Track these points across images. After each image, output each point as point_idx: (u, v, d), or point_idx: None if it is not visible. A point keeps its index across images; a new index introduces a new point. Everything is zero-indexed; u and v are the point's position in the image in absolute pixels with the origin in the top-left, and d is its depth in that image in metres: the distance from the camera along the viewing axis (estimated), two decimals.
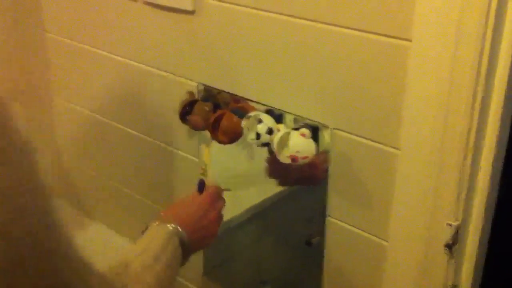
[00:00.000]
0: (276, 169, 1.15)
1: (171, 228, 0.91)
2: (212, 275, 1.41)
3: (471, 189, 0.87)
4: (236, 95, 1.16)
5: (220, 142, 1.15)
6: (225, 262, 1.41)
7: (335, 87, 0.98)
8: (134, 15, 1.32)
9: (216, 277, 1.42)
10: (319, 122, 1.02)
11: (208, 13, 1.15)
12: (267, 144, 1.04)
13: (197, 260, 1.38)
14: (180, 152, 1.35)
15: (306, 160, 1.00)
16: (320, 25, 0.96)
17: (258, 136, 1.03)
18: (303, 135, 0.99)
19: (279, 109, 1.08)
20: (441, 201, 0.88)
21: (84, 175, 1.74)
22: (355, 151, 0.99)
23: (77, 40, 1.53)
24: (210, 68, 1.19)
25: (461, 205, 0.88)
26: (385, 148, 0.95)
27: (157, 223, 0.92)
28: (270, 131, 1.03)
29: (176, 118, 1.21)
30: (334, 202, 1.06)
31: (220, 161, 1.24)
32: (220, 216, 1.04)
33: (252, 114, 1.05)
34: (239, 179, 1.28)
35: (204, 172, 1.08)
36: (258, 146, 1.05)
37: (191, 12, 1.17)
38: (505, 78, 0.81)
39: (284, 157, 1.00)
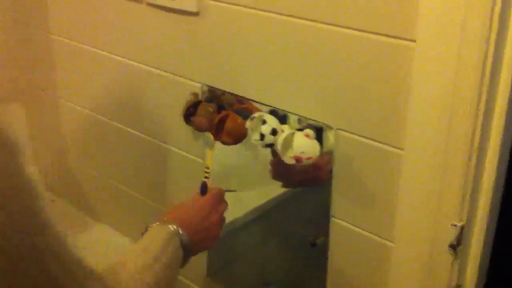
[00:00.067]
0: (280, 171, 1.15)
1: (172, 229, 0.92)
2: (215, 277, 1.41)
3: (475, 189, 0.87)
4: (240, 96, 1.16)
5: (224, 143, 1.15)
6: (229, 263, 1.41)
7: (339, 87, 0.98)
8: (138, 17, 1.32)
9: (220, 278, 1.42)
10: (323, 123, 1.03)
11: (212, 14, 1.15)
12: (271, 145, 1.04)
13: (200, 261, 1.38)
14: (184, 153, 1.35)
15: (310, 161, 1.00)
16: (323, 25, 0.96)
17: (262, 137, 1.03)
18: (307, 135, 1.00)
19: (283, 110, 1.08)
20: (445, 201, 0.88)
21: (86, 175, 1.75)
22: (359, 152, 0.99)
23: (81, 41, 1.54)
24: (214, 69, 1.20)
25: (465, 206, 0.88)
26: (389, 148, 0.95)
27: (158, 224, 0.93)
28: (274, 132, 1.03)
29: (180, 119, 1.22)
30: (339, 202, 1.06)
31: (224, 162, 1.24)
32: (222, 219, 1.04)
33: (256, 115, 1.05)
34: (243, 180, 1.28)
35: (208, 175, 1.08)
36: (262, 147, 1.05)
37: (195, 14, 1.17)
38: (510, 79, 0.80)
39: (288, 158, 1.00)
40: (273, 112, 1.08)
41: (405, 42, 0.87)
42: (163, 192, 1.47)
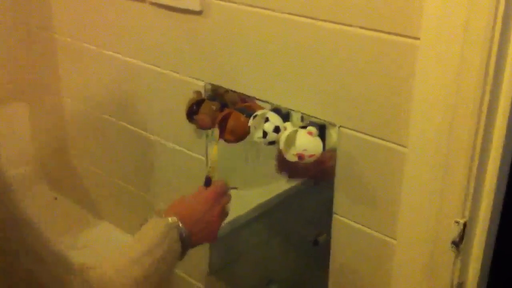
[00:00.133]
0: (285, 165, 1.15)
1: (170, 221, 0.91)
2: (218, 275, 1.41)
3: (478, 187, 0.87)
4: (243, 94, 1.16)
5: (227, 141, 1.15)
6: (231, 261, 1.42)
7: (342, 85, 0.99)
8: (140, 16, 1.33)
9: (223, 276, 1.42)
10: (325, 120, 1.03)
11: (215, 13, 1.15)
12: (274, 143, 1.04)
13: (203, 259, 1.39)
14: (186, 151, 1.36)
15: (313, 158, 1.00)
16: (327, 24, 0.97)
17: (265, 134, 1.03)
18: (310, 133, 1.00)
19: (286, 108, 1.09)
20: (448, 198, 0.89)
21: (89, 173, 1.75)
22: (362, 149, 0.99)
23: (84, 41, 1.54)
24: (217, 67, 1.20)
25: (468, 203, 0.88)
26: (392, 146, 0.95)
27: (157, 216, 0.93)
28: (277, 130, 1.03)
29: (183, 118, 1.22)
30: (341, 200, 1.06)
31: (227, 160, 1.24)
32: (223, 212, 1.04)
33: (259, 112, 1.06)
34: (245, 178, 1.29)
35: (212, 169, 1.08)
36: (265, 144, 1.05)
37: (198, 13, 1.18)
38: None
39: (291, 156, 1.01)
40: (276, 110, 1.08)
41: (408, 40, 0.87)
42: (165, 190, 1.48)
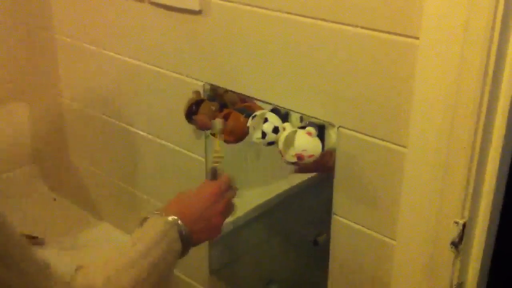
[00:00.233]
0: None
1: (169, 220, 0.89)
2: (218, 275, 1.41)
3: (477, 187, 0.87)
4: (242, 94, 1.16)
5: (226, 141, 1.15)
6: (231, 261, 1.42)
7: (341, 85, 0.98)
8: (140, 16, 1.33)
9: (223, 276, 1.42)
10: (325, 121, 1.03)
11: (214, 13, 1.15)
12: (273, 143, 1.04)
13: (203, 259, 1.38)
14: (185, 152, 1.35)
15: (312, 159, 1.00)
16: (327, 23, 0.97)
17: (264, 135, 1.03)
18: (309, 133, 1.00)
19: (285, 108, 1.08)
20: (447, 199, 0.88)
21: (88, 174, 1.75)
22: (361, 149, 0.99)
23: (84, 41, 1.54)
24: (216, 67, 1.20)
25: (467, 203, 0.88)
26: (391, 146, 0.95)
27: (156, 214, 0.90)
28: (276, 130, 1.03)
29: (182, 118, 1.22)
30: (340, 200, 1.06)
31: (226, 160, 1.24)
32: (227, 207, 1.00)
33: (258, 113, 1.06)
34: (245, 178, 1.28)
35: (217, 161, 1.05)
36: (264, 145, 1.05)
37: (198, 12, 1.17)
38: None
39: (290, 156, 1.01)
40: (275, 110, 1.08)
41: (408, 40, 0.87)
42: (164, 190, 1.47)
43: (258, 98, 1.13)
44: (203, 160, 1.30)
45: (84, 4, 1.51)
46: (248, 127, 1.06)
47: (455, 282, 0.93)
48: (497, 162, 0.86)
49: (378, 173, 0.99)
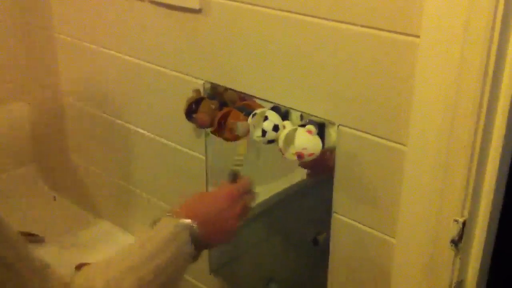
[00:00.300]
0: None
1: (181, 221, 0.86)
2: (219, 273, 1.41)
3: (477, 185, 0.87)
4: (242, 92, 1.16)
5: (226, 139, 1.15)
6: (232, 260, 1.42)
7: (341, 83, 0.98)
8: (140, 14, 1.33)
9: (223, 275, 1.42)
10: (325, 119, 1.03)
11: (214, 11, 1.15)
12: (273, 141, 1.04)
13: (204, 258, 1.38)
14: (185, 150, 1.35)
15: (312, 157, 1.00)
16: (326, 22, 0.97)
17: (264, 133, 1.03)
18: (309, 132, 1.00)
19: (285, 106, 1.08)
20: (447, 197, 0.88)
21: (89, 172, 1.75)
22: (361, 148, 0.99)
23: (84, 40, 1.54)
24: (216, 66, 1.20)
25: (467, 202, 0.88)
26: (391, 144, 0.95)
27: (168, 216, 0.88)
28: (276, 128, 1.03)
29: (182, 116, 1.22)
30: (340, 198, 1.06)
31: (226, 158, 1.24)
32: (244, 210, 0.97)
33: (258, 111, 1.06)
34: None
35: (239, 163, 1.02)
36: (264, 143, 1.05)
37: (198, 11, 1.18)
38: None
39: (290, 154, 1.01)
40: (275, 109, 1.08)
41: (409, 38, 0.87)
42: (165, 188, 1.48)
43: (258, 97, 1.13)
44: (203, 158, 1.30)
45: (84, 3, 1.51)
46: (248, 125, 1.06)
47: (455, 280, 0.93)
48: (497, 161, 0.86)
49: (378, 171, 0.98)
